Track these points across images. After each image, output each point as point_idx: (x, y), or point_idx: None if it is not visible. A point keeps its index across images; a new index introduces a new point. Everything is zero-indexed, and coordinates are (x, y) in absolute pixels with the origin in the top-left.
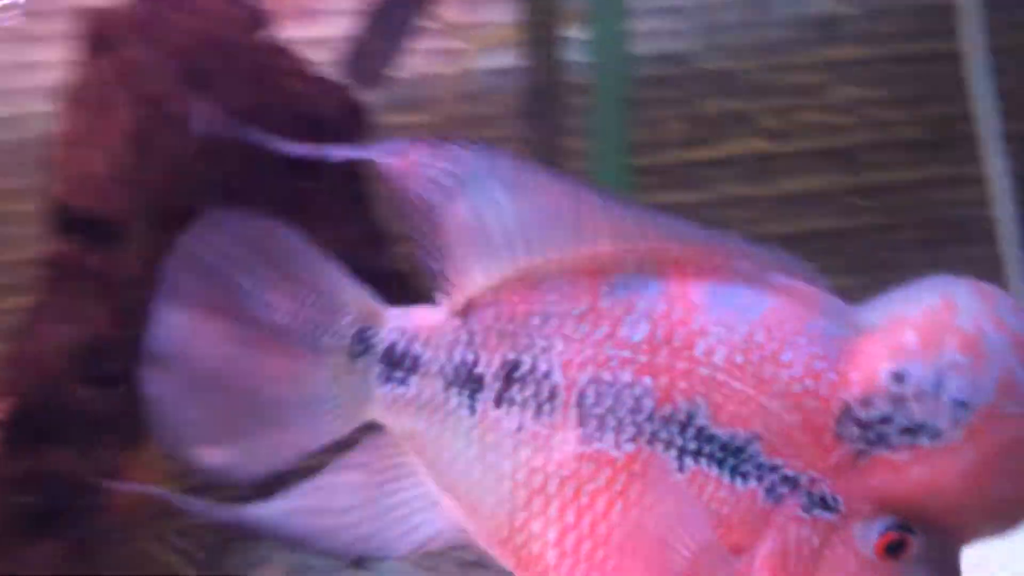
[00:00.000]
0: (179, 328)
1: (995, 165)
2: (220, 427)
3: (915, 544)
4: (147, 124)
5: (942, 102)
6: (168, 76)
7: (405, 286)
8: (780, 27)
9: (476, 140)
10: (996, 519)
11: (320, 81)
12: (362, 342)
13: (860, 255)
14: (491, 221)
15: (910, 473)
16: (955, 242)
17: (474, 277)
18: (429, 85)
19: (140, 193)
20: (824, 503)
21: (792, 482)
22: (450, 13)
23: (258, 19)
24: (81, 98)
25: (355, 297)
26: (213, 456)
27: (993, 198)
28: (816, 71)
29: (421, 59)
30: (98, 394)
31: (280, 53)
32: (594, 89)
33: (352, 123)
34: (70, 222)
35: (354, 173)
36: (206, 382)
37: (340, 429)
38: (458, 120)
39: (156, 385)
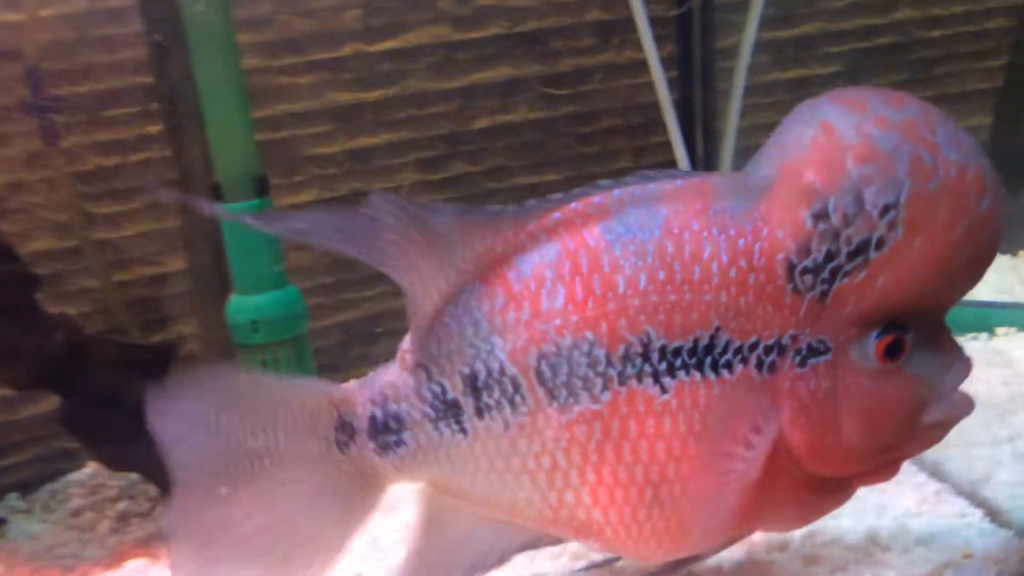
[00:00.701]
0: (190, 489)
1: (650, 49)
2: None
3: (909, 337)
4: None
5: None
6: None
7: None
8: None
9: None
10: (968, 275)
11: None
12: (345, 430)
13: (562, 147)
14: (422, 267)
15: (875, 285)
16: (657, 127)
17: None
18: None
19: None
20: (814, 350)
21: (776, 348)
22: None
23: None
24: None
25: (318, 394)
26: None
27: (656, 82)
28: None
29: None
30: None
31: None
32: None
33: None
34: None
35: None
36: (232, 536)
37: (368, 509)
38: (80, 71)
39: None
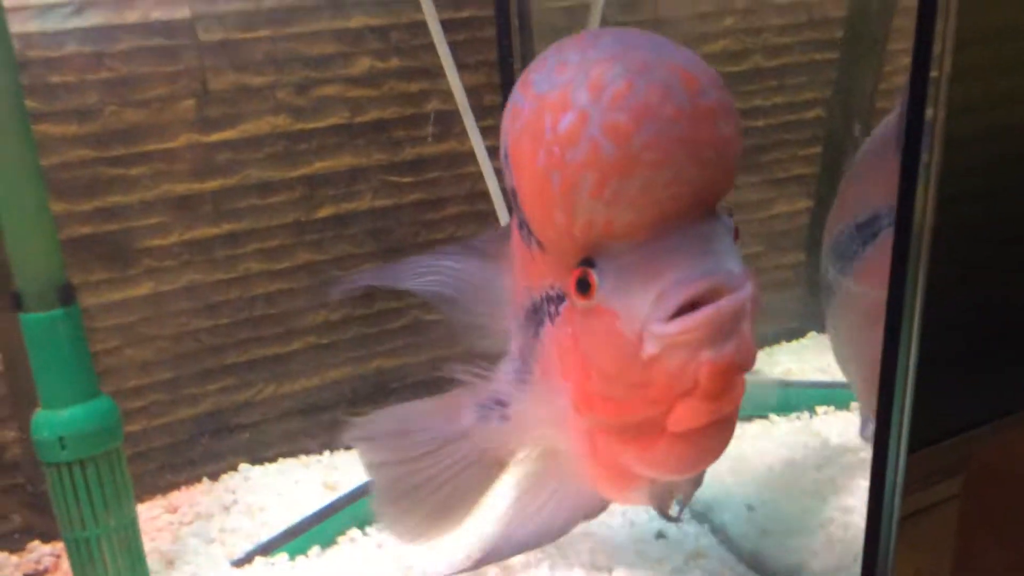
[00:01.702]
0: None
1: (477, 141)
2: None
3: (594, 270)
4: None
5: (470, 71)
6: None
7: None
8: None
9: None
10: (612, 195)
11: None
12: (484, 410)
13: (411, 235)
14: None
15: (539, 227)
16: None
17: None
18: None
19: None
20: (560, 298)
21: (547, 299)
22: None
23: None
24: None
25: (458, 397)
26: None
27: (484, 173)
28: (331, 41)
29: None
30: None
31: None
32: None
33: None
34: None
35: None
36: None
37: (498, 477)
38: None
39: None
